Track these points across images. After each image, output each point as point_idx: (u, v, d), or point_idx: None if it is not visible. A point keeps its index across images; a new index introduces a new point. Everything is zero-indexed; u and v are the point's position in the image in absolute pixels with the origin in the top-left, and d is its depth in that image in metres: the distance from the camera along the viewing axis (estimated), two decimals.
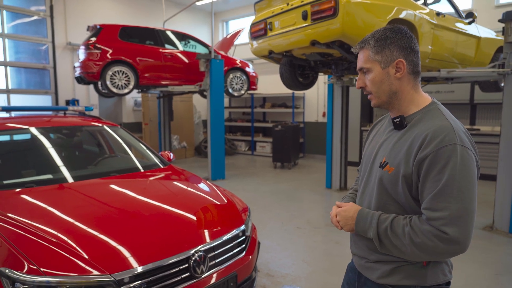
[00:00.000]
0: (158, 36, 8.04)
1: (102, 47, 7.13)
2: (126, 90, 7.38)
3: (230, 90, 8.53)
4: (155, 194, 2.83)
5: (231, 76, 8.60)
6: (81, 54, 7.28)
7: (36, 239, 1.99)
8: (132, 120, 11.13)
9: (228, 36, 10.11)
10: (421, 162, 1.19)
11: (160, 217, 2.44)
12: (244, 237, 2.61)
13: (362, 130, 9.40)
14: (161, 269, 2.02)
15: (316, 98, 10.95)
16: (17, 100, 8.86)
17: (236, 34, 9.89)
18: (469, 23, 5.13)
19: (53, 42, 9.22)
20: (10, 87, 8.74)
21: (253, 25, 4.67)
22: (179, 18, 11.68)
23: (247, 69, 8.92)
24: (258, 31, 4.56)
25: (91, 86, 9.08)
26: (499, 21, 4.40)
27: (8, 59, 8.69)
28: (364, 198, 1.42)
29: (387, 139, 1.37)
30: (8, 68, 8.72)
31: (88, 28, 7.61)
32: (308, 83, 5.45)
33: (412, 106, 1.32)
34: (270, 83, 11.58)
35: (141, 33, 7.91)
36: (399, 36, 1.28)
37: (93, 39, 7.20)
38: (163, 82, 8.02)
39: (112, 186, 2.92)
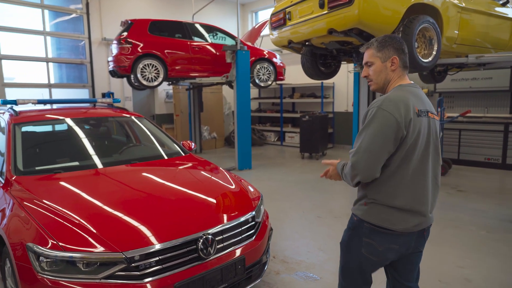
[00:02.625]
0: (186, 29, 8.23)
1: (133, 41, 7.42)
2: (155, 83, 7.66)
3: (257, 81, 8.59)
4: (171, 179, 3.00)
5: (258, 67, 8.65)
6: (114, 48, 7.62)
7: (60, 220, 2.19)
8: (164, 112, 11.50)
9: (256, 27, 10.14)
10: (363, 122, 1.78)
11: (173, 201, 2.59)
12: (253, 222, 2.70)
13: None
14: (170, 249, 2.16)
15: (346, 87, 10.76)
16: (58, 93, 9.44)
17: (263, 24, 9.90)
18: (503, 4, 4.85)
19: (89, 38, 9.69)
20: (51, 82, 9.31)
21: (272, 15, 4.69)
22: (208, 10, 11.84)
23: (274, 59, 8.92)
24: (278, 21, 4.58)
25: (125, 79, 9.48)
26: None
27: (50, 56, 9.25)
28: None
29: None
30: (50, 64, 9.29)
31: (121, 23, 7.92)
32: (331, 72, 5.40)
33: (390, 90, 1.84)
34: (299, 73, 11.39)
35: (169, 27, 8.13)
36: (394, 41, 1.82)
37: (125, 33, 7.50)
38: (191, 74, 8.23)
39: (136, 171, 3.12)
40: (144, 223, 2.26)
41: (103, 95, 10.07)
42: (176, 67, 7.91)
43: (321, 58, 5.25)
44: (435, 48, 4.08)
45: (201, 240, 2.28)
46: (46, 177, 2.84)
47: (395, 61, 1.81)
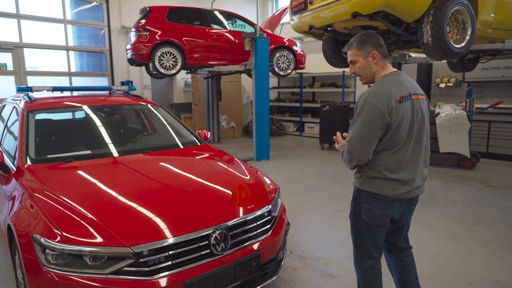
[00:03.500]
0: (204, 16, 8.07)
1: (151, 28, 7.33)
2: (173, 71, 7.56)
3: (276, 69, 8.38)
4: (185, 169, 2.89)
5: (277, 55, 8.42)
6: (132, 36, 7.56)
7: (67, 212, 2.11)
8: (182, 101, 11.45)
9: (276, 14, 9.88)
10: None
11: (185, 192, 2.48)
12: (269, 217, 2.56)
13: None
14: (180, 244, 2.05)
15: None
16: (78, 82, 9.50)
17: (283, 11, 9.63)
18: None
19: (108, 26, 9.67)
20: (72, 70, 9.36)
21: None
22: None
23: (294, 47, 8.67)
24: (298, 5, 4.35)
25: (144, 68, 9.44)
26: None
27: (71, 44, 9.29)
28: None
29: None
30: (71, 52, 9.34)
31: (140, 11, 7.84)
32: None
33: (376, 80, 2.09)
34: (320, 62, 11.12)
35: (188, 14, 7.99)
36: (370, 38, 2.05)
37: (143, 21, 7.42)
38: (209, 62, 8.09)
39: (150, 161, 3.02)
40: (155, 216, 2.15)
41: (122, 84, 10.08)
42: (194, 55, 7.79)
43: (343, 45, 4.99)
44: (469, 32, 3.78)
45: (214, 235, 2.16)
46: (58, 165, 2.77)
47: (375, 55, 2.04)
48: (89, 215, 2.07)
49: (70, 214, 2.09)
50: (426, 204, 4.82)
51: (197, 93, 10.97)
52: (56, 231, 1.95)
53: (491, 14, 4.03)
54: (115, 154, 3.03)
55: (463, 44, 3.79)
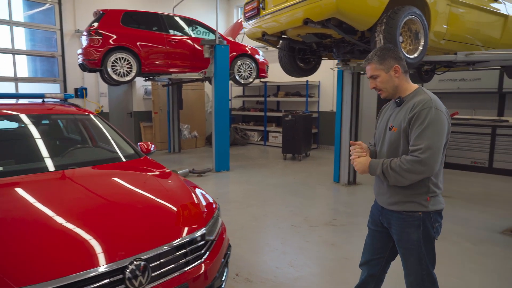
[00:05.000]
0: (162, 22, 7.75)
1: (104, 32, 6.92)
2: (127, 78, 7.17)
3: (238, 78, 8.16)
4: (109, 188, 2.55)
5: (239, 63, 8.22)
6: (83, 40, 7.10)
7: None
8: (142, 109, 10.99)
9: (239, 21, 9.70)
10: (411, 119, 1.90)
11: (99, 218, 2.13)
12: (203, 241, 2.27)
13: None
14: (84, 282, 1.72)
15: (332, 86, 10.39)
16: (26, 88, 8.85)
17: None
18: None
19: (61, 29, 9.12)
20: (18, 76, 8.72)
21: (246, 4, 4.26)
22: (191, 4, 11.36)
23: (256, 56, 8.51)
24: (251, 11, 4.15)
25: (99, 74, 8.94)
26: None
27: (20, 47, 8.65)
28: (381, 153, 2.10)
29: (392, 113, 2.08)
30: (20, 57, 8.70)
31: (93, 14, 7.41)
32: (310, 68, 4.99)
33: (406, 91, 2.03)
34: None
35: (144, 19, 7.65)
36: (391, 52, 2.01)
37: (95, 24, 7.00)
38: (169, 70, 7.75)
39: (69, 180, 2.65)
40: (56, 248, 1.81)
41: (76, 91, 9.54)
42: (151, 62, 7.43)
43: (299, 53, 4.84)
44: (422, 43, 3.70)
45: (131, 268, 1.85)
46: None
47: (397, 69, 2.00)
48: None
49: None
50: None
51: (158, 101, 10.56)
52: None
53: (444, 26, 3.99)
54: (24, 172, 2.62)
55: (416, 55, 3.71)
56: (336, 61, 5.87)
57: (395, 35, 3.38)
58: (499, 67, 5.85)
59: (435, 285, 2.04)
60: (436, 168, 1.86)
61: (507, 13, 4.73)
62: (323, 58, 5.11)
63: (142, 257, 1.91)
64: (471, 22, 4.35)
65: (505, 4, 4.79)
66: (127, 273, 1.83)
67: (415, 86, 2.04)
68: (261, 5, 4.00)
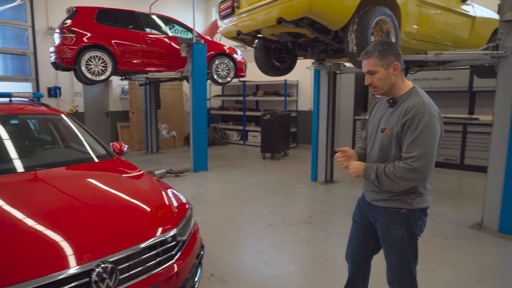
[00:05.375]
0: (138, 20, 7.63)
1: (77, 30, 6.76)
2: (102, 77, 7.02)
3: (215, 77, 8.11)
4: (78, 189, 2.49)
5: (217, 62, 8.17)
6: (56, 38, 6.91)
7: None
8: (119, 109, 10.79)
9: (217, 20, 9.64)
10: (404, 124, 1.88)
11: (66, 219, 2.08)
12: (174, 242, 2.25)
13: (355, 119, 8.95)
14: (50, 286, 1.67)
15: (310, 85, 10.47)
16: None
17: None
18: (463, 0, 4.65)
19: (33, 26, 8.85)
20: None
21: (221, 3, 4.24)
22: (169, 2, 11.24)
23: (235, 55, 8.48)
24: (226, 10, 4.13)
25: (74, 73, 8.72)
26: None
27: None
28: (372, 153, 2.09)
29: (385, 113, 2.04)
30: None
31: (66, 10, 7.21)
32: (286, 67, 5.01)
33: (400, 91, 1.99)
34: None
35: (120, 16, 7.50)
36: (392, 47, 1.94)
37: (68, 22, 6.82)
38: (144, 68, 7.63)
39: (37, 181, 2.58)
40: (18, 251, 1.76)
41: (49, 90, 9.27)
42: (127, 60, 7.30)
43: (275, 52, 4.86)
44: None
45: (97, 271, 1.81)
46: None
47: (396, 66, 1.94)
48: None
49: None
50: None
51: (135, 100, 10.40)
52: None
53: (414, 26, 4.09)
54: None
55: None
56: (312, 60, 5.92)
57: (367, 35, 3.44)
58: (469, 66, 6.02)
59: (414, 281, 2.08)
60: (429, 175, 1.87)
61: (474, 15, 4.88)
62: (298, 58, 5.14)
63: (110, 260, 1.88)
64: (440, 23, 4.47)
65: (473, 6, 4.95)
66: (93, 276, 1.80)
67: (409, 85, 2.01)
68: (235, 4, 3.99)
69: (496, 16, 4.63)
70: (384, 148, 2.00)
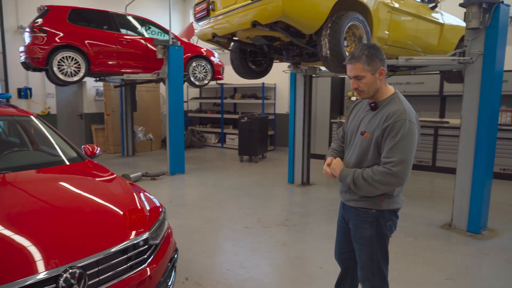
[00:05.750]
0: (113, 20, 7.49)
1: (49, 29, 6.57)
2: (75, 78, 6.85)
3: (192, 79, 8.06)
4: (45, 194, 2.42)
5: (194, 64, 8.12)
6: (26, 37, 6.70)
7: None
8: (93, 111, 10.55)
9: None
10: (384, 130, 1.92)
11: (34, 224, 2.02)
12: (146, 246, 2.22)
13: (332, 123, 9.09)
14: None
15: (287, 89, 10.51)
16: None
17: None
18: (432, 8, 4.82)
19: (1, 25, 8.54)
20: None
21: (196, 5, 4.23)
22: (145, 3, 11.12)
23: (212, 58, 8.45)
24: (201, 12, 4.12)
25: (45, 74, 8.47)
26: (460, 5, 4.09)
27: None
28: (351, 155, 2.11)
29: (365, 116, 2.07)
30: None
31: (37, 9, 7.00)
32: (262, 70, 5.04)
33: (382, 96, 2.03)
34: None
35: (94, 16, 7.35)
36: (377, 53, 1.97)
37: (39, 21, 6.63)
38: (119, 70, 7.50)
39: (9, 183, 2.49)
40: None
41: (19, 91, 8.96)
42: (101, 61, 7.16)
43: (251, 55, 4.88)
44: None
45: (64, 277, 1.76)
46: None
47: (382, 71, 1.98)
48: None
49: None
50: (331, 215, 4.85)
51: (110, 102, 10.19)
52: None
53: (386, 32, 4.20)
54: None
55: None
56: (289, 64, 5.98)
57: (340, 39, 3.51)
58: (438, 72, 6.24)
59: (384, 280, 2.12)
60: (406, 180, 1.92)
61: (443, 22, 5.07)
62: (274, 61, 5.19)
63: (78, 265, 1.84)
64: (411, 29, 4.62)
65: (442, 13, 5.14)
66: (60, 282, 1.75)
67: (391, 90, 2.04)
68: (211, 7, 3.99)
69: (463, 23, 4.82)
70: (362, 151, 2.03)
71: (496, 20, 3.96)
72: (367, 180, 1.92)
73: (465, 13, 4.11)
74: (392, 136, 1.88)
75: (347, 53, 3.62)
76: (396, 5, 4.26)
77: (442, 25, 5.03)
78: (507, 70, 6.18)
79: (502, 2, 3.96)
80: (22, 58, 6.75)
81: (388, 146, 1.89)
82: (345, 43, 3.68)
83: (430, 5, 4.83)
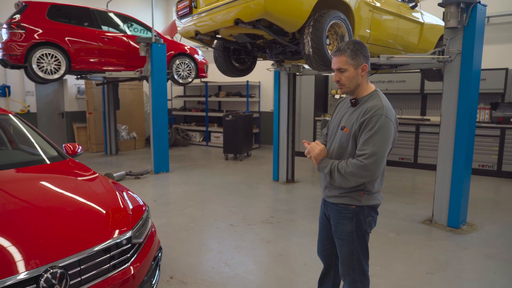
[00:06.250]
0: (94, 17, 7.36)
1: (27, 26, 6.42)
2: (56, 76, 6.71)
3: (176, 77, 8.00)
4: (25, 193, 2.37)
5: (177, 62, 8.06)
6: (4, 34, 6.52)
7: None
8: (75, 109, 10.35)
9: None
10: (361, 123, 1.97)
11: (14, 224, 1.98)
12: (129, 245, 2.20)
13: (316, 120, 9.17)
14: None
15: (272, 87, 10.55)
16: None
17: None
18: (412, 7, 4.91)
19: None
20: None
21: (178, 2, 4.19)
22: (127, 1, 10.96)
23: (195, 56, 8.40)
24: (183, 10, 4.09)
25: (24, 71, 8.26)
26: (439, 5, 4.18)
27: None
28: (332, 150, 2.16)
29: (346, 112, 2.13)
30: None
31: (15, 5, 6.82)
32: (246, 68, 5.04)
33: (363, 92, 2.08)
34: None
35: (74, 13, 7.21)
36: (363, 49, 2.01)
37: (17, 17, 6.46)
38: (101, 67, 7.38)
39: None
40: None
41: None
42: (82, 59, 7.03)
43: (234, 53, 4.87)
44: None
45: (45, 277, 1.74)
46: None
47: (365, 68, 2.02)
48: None
49: None
50: (312, 212, 4.90)
51: (92, 100, 10.01)
52: None
53: (367, 30, 4.26)
54: None
55: None
56: (273, 62, 6.00)
57: (322, 37, 3.54)
58: (418, 70, 6.36)
59: (365, 275, 2.16)
60: (377, 174, 1.96)
61: (423, 21, 5.17)
62: (258, 59, 5.20)
63: (59, 265, 1.81)
64: (392, 28, 4.69)
65: (422, 13, 5.24)
66: (41, 282, 1.73)
67: (372, 87, 2.09)
68: (193, 4, 3.96)
69: (442, 23, 4.93)
70: (342, 145, 2.08)
71: (473, 19, 4.07)
72: (341, 172, 1.97)
73: (443, 12, 4.21)
74: (368, 130, 1.93)
75: (329, 52, 3.66)
76: (378, 4, 4.33)
77: (422, 24, 5.14)
78: (484, 69, 6.39)
79: (479, 2, 4.06)
80: (0, 55, 6.57)
81: (363, 139, 1.94)
82: (328, 41, 3.71)
83: (410, 5, 4.92)
